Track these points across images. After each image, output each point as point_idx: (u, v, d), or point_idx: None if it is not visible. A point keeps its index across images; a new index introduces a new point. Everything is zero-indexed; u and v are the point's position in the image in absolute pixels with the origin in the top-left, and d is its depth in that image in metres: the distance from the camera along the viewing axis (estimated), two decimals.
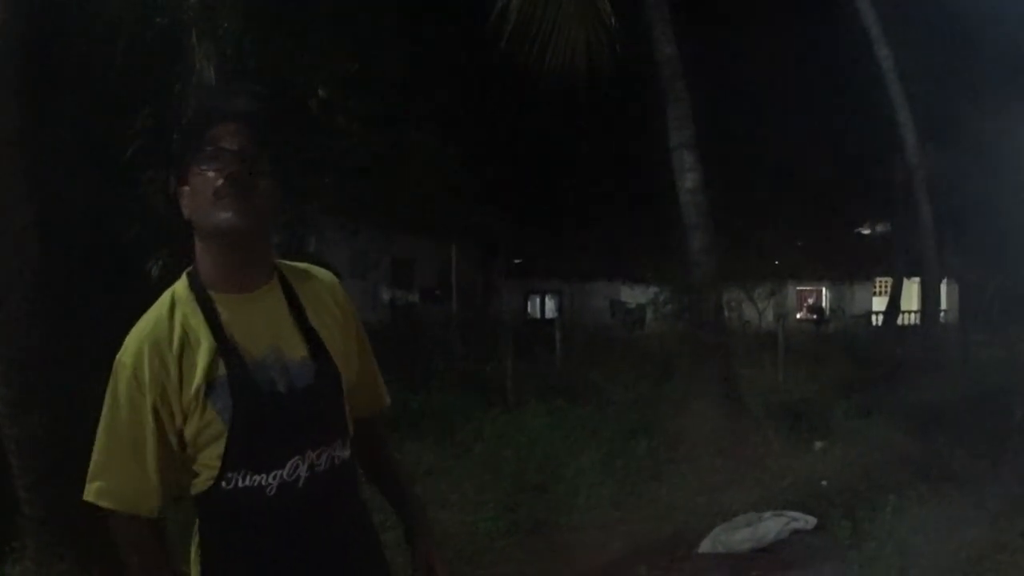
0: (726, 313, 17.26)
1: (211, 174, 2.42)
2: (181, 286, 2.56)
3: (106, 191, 11.50)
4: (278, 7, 12.99)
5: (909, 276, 35.22)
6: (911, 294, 37.14)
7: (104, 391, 2.52)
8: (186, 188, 2.50)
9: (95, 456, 2.47)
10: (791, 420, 12.61)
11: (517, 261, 44.75)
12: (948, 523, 8.35)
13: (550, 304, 46.26)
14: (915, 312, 34.75)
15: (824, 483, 10.09)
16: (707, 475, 10.59)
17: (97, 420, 2.51)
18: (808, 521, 8.36)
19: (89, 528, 7.09)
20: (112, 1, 10.87)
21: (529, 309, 46.00)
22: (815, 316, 40.73)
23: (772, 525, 8.20)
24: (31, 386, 6.73)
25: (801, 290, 45.90)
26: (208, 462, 2.42)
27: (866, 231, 49.40)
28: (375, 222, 24.46)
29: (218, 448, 2.39)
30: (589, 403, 14.62)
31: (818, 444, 11.84)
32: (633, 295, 40.72)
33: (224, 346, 2.44)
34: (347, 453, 2.62)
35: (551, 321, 30.93)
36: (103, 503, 2.45)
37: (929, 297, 21.97)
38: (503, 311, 38.66)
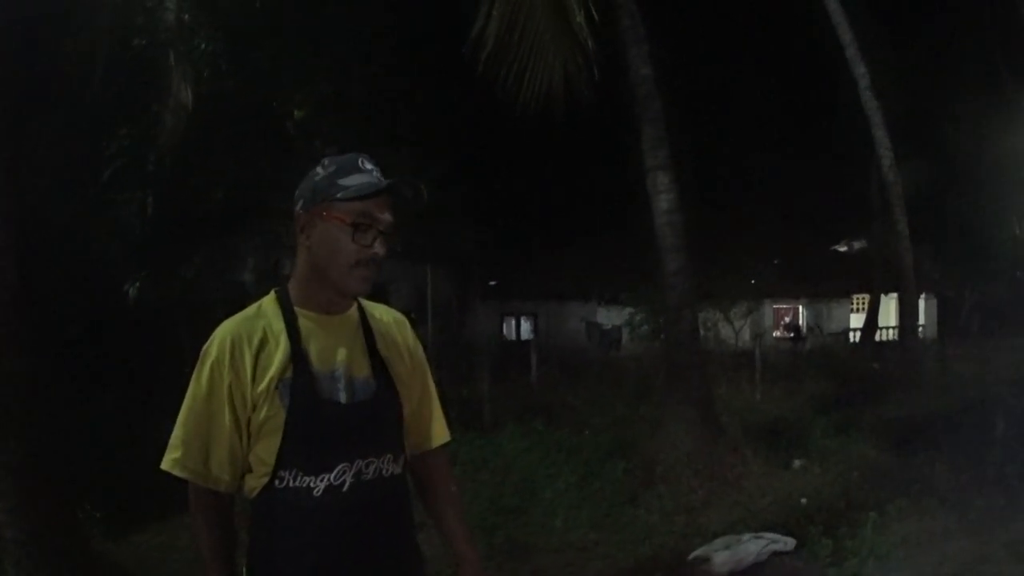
0: (702, 333, 17.26)
1: (361, 242, 2.69)
2: (269, 300, 2.83)
3: (84, 212, 11.48)
4: (255, 30, 12.98)
5: (887, 292, 35.32)
6: (889, 310, 37.28)
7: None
8: (316, 227, 2.73)
9: (175, 431, 2.72)
10: (769, 439, 12.58)
11: (492, 283, 44.66)
12: (930, 537, 8.38)
13: (526, 326, 46.16)
14: (893, 328, 34.88)
15: (804, 501, 10.09)
16: (684, 496, 10.57)
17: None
18: (787, 543, 8.33)
19: (68, 551, 7.07)
20: (91, 23, 10.86)
21: (505, 331, 45.89)
22: (792, 334, 40.77)
23: (751, 547, 8.17)
24: (10, 409, 6.70)
25: (778, 308, 45.95)
26: (265, 456, 2.67)
27: (843, 248, 49.66)
28: None
29: (275, 442, 2.65)
30: (566, 425, 14.60)
31: (796, 462, 11.83)
32: (609, 316, 40.71)
33: (296, 353, 2.70)
34: (398, 469, 2.87)
35: (527, 343, 30.90)
36: (176, 472, 2.71)
37: (907, 313, 21.99)
38: (479, 333, 38.59)
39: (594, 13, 12.60)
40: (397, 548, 2.83)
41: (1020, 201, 30.53)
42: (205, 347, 2.71)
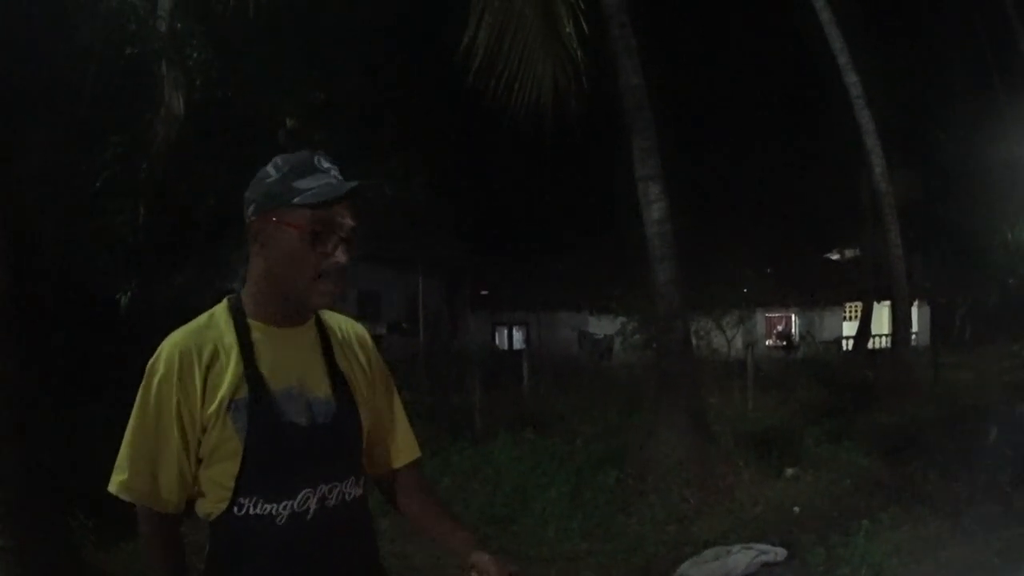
0: (694, 342, 17.23)
1: (321, 251, 2.49)
2: (221, 309, 2.61)
3: (76, 220, 11.45)
4: (246, 38, 12.97)
5: (879, 300, 35.28)
6: (882, 318, 37.22)
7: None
8: (271, 235, 2.51)
9: (122, 451, 2.52)
10: (761, 448, 12.57)
11: (484, 292, 44.67)
12: (923, 545, 8.36)
13: (517, 335, 46.09)
14: (886, 336, 34.87)
15: (796, 510, 10.08)
16: (676, 505, 10.55)
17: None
18: (778, 553, 8.31)
19: (59, 560, 7.04)
20: (83, 30, 10.84)
21: (496, 340, 45.84)
22: (784, 343, 40.71)
23: (741, 559, 8.15)
24: (1, 416, 6.67)
25: (770, 317, 45.87)
26: (222, 480, 2.46)
27: (835, 257, 49.63)
28: None
29: (233, 467, 2.44)
30: (557, 434, 14.58)
31: (789, 471, 11.82)
32: (600, 325, 40.54)
33: (250, 370, 2.50)
34: (360, 492, 2.68)
35: (519, 352, 30.84)
36: (123, 495, 2.50)
37: (899, 320, 21.92)
38: (470, 343, 38.52)
39: (583, 23, 12.60)
40: (361, 570, 2.70)
41: (1012, 208, 30.56)
42: (151, 361, 2.51)
